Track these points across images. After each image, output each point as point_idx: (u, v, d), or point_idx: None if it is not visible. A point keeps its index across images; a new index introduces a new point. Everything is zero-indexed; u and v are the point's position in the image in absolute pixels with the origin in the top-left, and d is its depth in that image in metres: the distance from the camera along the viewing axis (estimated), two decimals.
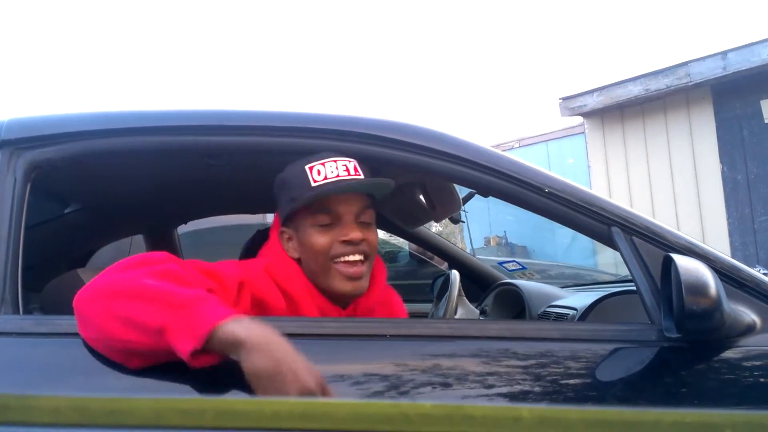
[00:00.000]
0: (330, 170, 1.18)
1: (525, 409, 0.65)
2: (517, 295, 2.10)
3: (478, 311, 2.20)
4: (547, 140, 8.60)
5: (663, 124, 6.58)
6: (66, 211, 1.89)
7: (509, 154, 1.31)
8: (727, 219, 6.19)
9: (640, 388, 1.09)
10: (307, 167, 1.20)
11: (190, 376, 0.96)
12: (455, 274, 2.11)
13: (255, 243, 1.36)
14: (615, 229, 1.20)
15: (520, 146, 8.82)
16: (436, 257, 3.37)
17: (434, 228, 4.07)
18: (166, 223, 2.34)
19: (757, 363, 1.14)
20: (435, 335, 1.14)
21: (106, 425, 0.65)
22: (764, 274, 1.23)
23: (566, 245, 7.09)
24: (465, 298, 2.15)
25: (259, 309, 1.14)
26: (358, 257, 1.20)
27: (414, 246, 3.65)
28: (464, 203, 2.07)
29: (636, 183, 6.77)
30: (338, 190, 1.18)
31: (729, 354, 1.13)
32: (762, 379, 1.15)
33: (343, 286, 1.20)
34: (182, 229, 2.51)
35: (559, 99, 7.08)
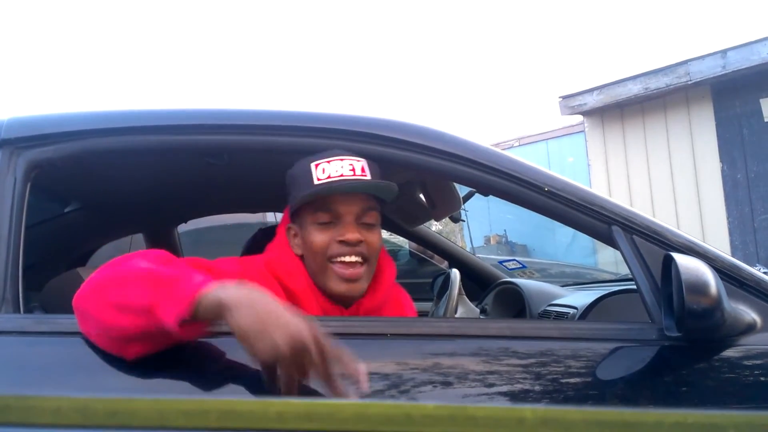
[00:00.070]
0: (334, 169, 1.18)
1: (528, 410, 0.65)
2: (518, 294, 2.10)
3: (478, 310, 2.20)
4: (546, 139, 8.60)
5: (663, 123, 6.58)
6: (66, 210, 1.89)
7: (509, 153, 1.31)
8: (727, 217, 6.20)
9: (640, 387, 1.09)
10: (312, 164, 1.19)
11: (193, 375, 0.96)
12: (455, 273, 2.12)
13: (256, 241, 1.36)
14: (615, 228, 1.20)
15: (519, 145, 8.81)
16: (436, 256, 3.37)
17: (434, 227, 4.06)
18: (166, 222, 2.34)
19: (758, 362, 1.14)
20: (435, 334, 1.14)
21: (108, 426, 0.64)
22: (764, 272, 1.23)
23: (566, 244, 7.08)
24: (465, 296, 2.16)
25: None
26: (355, 258, 1.19)
27: (414, 245, 3.65)
28: (464, 202, 2.07)
29: (636, 182, 6.77)
30: (336, 189, 1.17)
31: (729, 353, 1.13)
32: (762, 378, 1.15)
33: (337, 286, 1.19)
34: (182, 228, 2.51)
35: (559, 98, 7.08)
